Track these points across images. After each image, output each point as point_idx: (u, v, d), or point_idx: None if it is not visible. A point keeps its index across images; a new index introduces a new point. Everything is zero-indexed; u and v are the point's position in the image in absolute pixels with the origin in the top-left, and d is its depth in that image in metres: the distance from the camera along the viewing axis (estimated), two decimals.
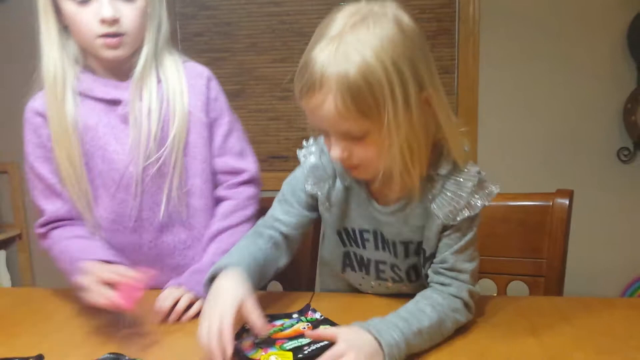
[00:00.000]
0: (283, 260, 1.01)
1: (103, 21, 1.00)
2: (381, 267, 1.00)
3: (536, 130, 2.36)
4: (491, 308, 0.98)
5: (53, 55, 1.04)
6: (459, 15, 2.36)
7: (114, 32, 1.01)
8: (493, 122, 2.38)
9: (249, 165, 1.18)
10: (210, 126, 1.14)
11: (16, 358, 0.84)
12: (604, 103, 2.29)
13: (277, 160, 2.58)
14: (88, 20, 1.00)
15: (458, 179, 0.89)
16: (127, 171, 1.08)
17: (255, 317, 0.81)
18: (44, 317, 1.02)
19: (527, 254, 1.31)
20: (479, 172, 0.89)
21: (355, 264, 1.03)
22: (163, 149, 1.08)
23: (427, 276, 0.95)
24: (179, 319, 0.98)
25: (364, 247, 0.99)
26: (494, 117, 2.38)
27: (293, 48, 2.50)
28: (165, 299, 0.99)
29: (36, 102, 1.10)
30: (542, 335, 0.87)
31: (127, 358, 0.82)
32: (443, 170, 0.88)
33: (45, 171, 1.09)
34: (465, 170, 0.89)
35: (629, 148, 2.29)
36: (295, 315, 0.95)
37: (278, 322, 0.93)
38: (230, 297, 0.82)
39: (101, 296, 0.89)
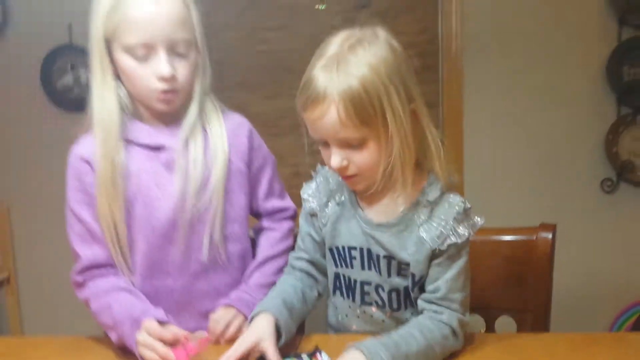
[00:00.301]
0: (319, 286, 1.12)
1: (161, 79, 1.04)
2: (366, 288, 1.03)
3: (520, 162, 2.40)
4: (478, 345, 1.01)
5: (105, 102, 1.07)
6: (442, 52, 2.42)
7: (170, 88, 1.05)
8: (478, 155, 2.43)
9: (290, 203, 1.27)
10: (256, 173, 1.19)
11: None
12: (585, 135, 2.35)
13: None
14: (146, 76, 1.04)
15: (445, 206, 0.96)
16: (167, 217, 1.10)
17: (269, 356, 0.92)
18: None
19: (513, 288, 1.33)
20: (463, 202, 0.97)
21: (343, 287, 1.07)
22: (205, 197, 1.10)
23: (416, 302, 1.01)
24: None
25: (352, 266, 1.04)
26: (479, 150, 2.43)
27: (283, 84, 2.54)
28: (218, 322, 1.06)
29: (82, 148, 1.12)
30: None
31: None
32: (431, 196, 0.96)
33: (85, 215, 1.10)
34: (451, 198, 0.97)
35: (612, 179, 2.34)
36: (304, 356, 0.97)
37: None
38: (250, 336, 0.95)
39: (159, 355, 0.94)
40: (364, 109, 0.88)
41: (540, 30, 2.33)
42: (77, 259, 1.12)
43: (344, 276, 1.07)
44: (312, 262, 1.11)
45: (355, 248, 1.02)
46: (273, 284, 1.12)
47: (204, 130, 1.13)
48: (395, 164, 0.92)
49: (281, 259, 1.20)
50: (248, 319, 1.02)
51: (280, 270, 1.18)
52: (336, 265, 1.07)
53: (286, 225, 1.25)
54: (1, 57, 2.62)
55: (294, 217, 1.27)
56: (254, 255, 1.22)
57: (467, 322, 0.98)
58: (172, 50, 1.04)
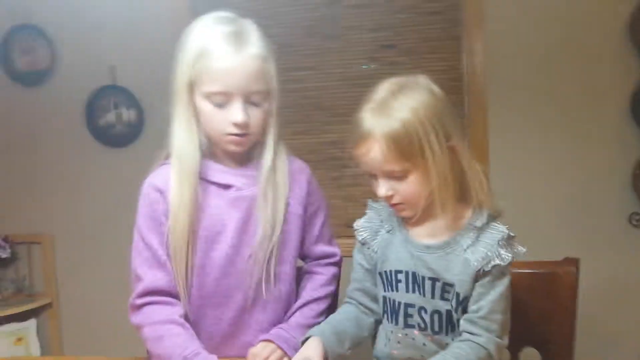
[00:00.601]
0: (375, 314, 1.19)
1: (235, 125, 1.12)
2: (409, 310, 1.10)
3: (547, 197, 2.43)
4: None
5: (185, 142, 1.15)
6: (467, 89, 2.49)
7: (242, 133, 1.13)
8: (505, 189, 2.44)
9: (337, 250, 1.33)
10: (310, 217, 1.27)
11: None
12: (613, 169, 2.37)
13: None
14: (222, 120, 1.12)
15: (491, 231, 1.05)
16: (226, 253, 1.17)
17: None
18: None
19: (537, 321, 1.36)
20: (508, 230, 1.07)
21: (389, 310, 1.14)
22: (265, 238, 1.17)
23: (458, 325, 1.07)
24: None
25: (397, 289, 1.12)
26: (506, 184, 2.44)
27: (314, 121, 2.65)
28: (256, 355, 1.11)
29: (156, 179, 1.19)
30: None
31: None
32: (478, 222, 1.05)
33: (154, 242, 1.16)
34: (497, 225, 1.07)
35: None
36: None
37: None
38: (299, 355, 1.06)
39: None
40: (404, 146, 1.00)
41: (565, 67, 2.37)
42: (139, 283, 1.17)
43: (390, 300, 1.13)
44: (364, 291, 1.19)
45: (401, 272, 1.10)
46: (312, 325, 1.17)
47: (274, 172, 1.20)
48: (434, 193, 1.03)
49: (323, 302, 1.25)
50: (288, 354, 1.10)
51: (321, 313, 1.24)
52: (385, 290, 1.15)
53: (332, 270, 1.31)
54: (48, 98, 2.80)
55: (340, 264, 1.33)
56: (297, 296, 1.28)
57: (504, 345, 1.05)
58: (248, 99, 1.12)
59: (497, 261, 1.02)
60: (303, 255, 1.30)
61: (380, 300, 1.17)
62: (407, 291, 1.11)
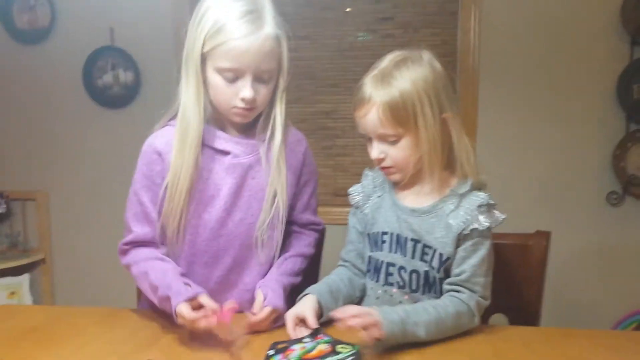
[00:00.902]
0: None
1: (243, 100, 1.16)
2: (390, 269, 1.19)
3: (530, 174, 2.51)
4: (462, 334, 1.12)
5: (192, 109, 1.18)
6: (459, 65, 2.54)
7: (248, 107, 1.18)
8: (490, 165, 2.51)
9: (320, 220, 1.39)
10: (302, 186, 1.33)
11: None
12: (594, 149, 2.45)
13: None
14: (231, 95, 1.16)
15: (472, 198, 1.13)
16: (218, 216, 1.23)
17: (308, 320, 1.09)
18: (77, 332, 1.18)
19: (508, 288, 1.42)
20: (489, 197, 1.14)
21: (372, 269, 1.23)
22: (256, 203, 1.24)
23: (435, 284, 1.16)
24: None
25: (382, 249, 1.20)
26: (491, 160, 2.52)
27: (305, 90, 2.69)
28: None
29: (157, 141, 1.24)
30: (501, 358, 1.01)
31: None
32: (462, 190, 1.13)
33: (146, 199, 1.22)
34: (478, 193, 1.14)
35: (618, 192, 2.43)
36: (307, 339, 1.07)
37: (295, 347, 1.04)
38: (294, 308, 1.13)
39: (200, 329, 1.06)
40: (399, 113, 1.08)
41: (555, 49, 2.43)
42: (128, 233, 1.25)
43: (374, 259, 1.22)
44: (357, 252, 1.28)
45: (387, 233, 1.19)
46: (294, 278, 1.27)
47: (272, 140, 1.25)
48: (424, 160, 1.12)
49: (297, 261, 1.31)
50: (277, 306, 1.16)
51: (300, 272, 1.30)
52: (370, 250, 1.23)
53: (315, 235, 1.38)
54: (47, 57, 2.82)
55: (323, 233, 1.40)
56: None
57: (485, 305, 1.13)
58: (257, 77, 1.16)
59: (476, 225, 1.11)
60: (290, 222, 1.34)
61: (366, 259, 1.25)
62: (390, 251, 1.19)
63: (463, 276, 1.12)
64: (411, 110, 1.08)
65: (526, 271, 1.42)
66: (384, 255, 1.20)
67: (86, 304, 2.71)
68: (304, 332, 1.08)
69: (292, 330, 1.08)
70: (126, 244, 1.25)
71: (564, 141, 2.47)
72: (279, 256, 1.31)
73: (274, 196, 1.25)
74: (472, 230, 1.11)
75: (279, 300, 1.17)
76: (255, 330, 1.14)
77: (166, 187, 1.21)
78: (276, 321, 1.17)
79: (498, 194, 2.54)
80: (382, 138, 1.13)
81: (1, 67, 2.87)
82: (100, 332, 1.17)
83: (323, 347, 1.04)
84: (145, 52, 2.69)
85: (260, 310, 1.15)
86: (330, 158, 2.64)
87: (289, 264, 1.29)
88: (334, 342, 1.04)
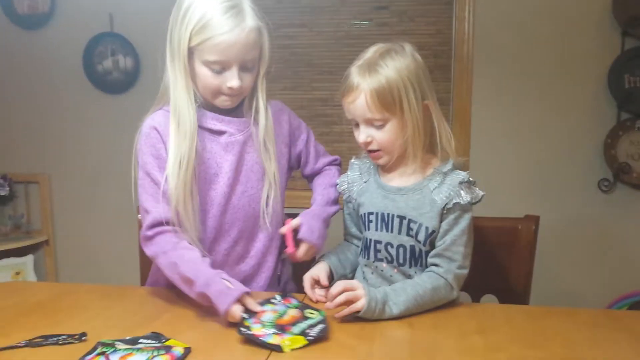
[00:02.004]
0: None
1: (231, 89, 1.24)
2: (378, 246, 1.28)
3: (523, 161, 2.55)
4: (449, 311, 1.18)
5: (181, 97, 1.25)
6: (454, 54, 2.58)
7: (235, 94, 1.27)
8: (484, 152, 2.58)
9: (335, 156, 1.52)
10: (298, 145, 1.44)
11: (63, 335, 1.05)
12: (586, 137, 2.49)
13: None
14: (218, 84, 1.24)
15: (454, 175, 1.21)
16: (223, 192, 1.30)
17: (321, 278, 1.27)
18: (82, 307, 1.24)
19: (497, 271, 1.49)
20: (468, 175, 1.23)
21: (362, 247, 1.33)
22: (255, 178, 1.32)
23: (422, 256, 1.25)
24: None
25: (369, 228, 1.29)
26: (485, 147, 2.58)
27: (303, 77, 2.73)
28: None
29: (154, 121, 1.29)
30: (485, 333, 1.06)
31: (166, 337, 1.02)
32: (444, 168, 1.22)
33: (160, 178, 1.24)
34: (460, 172, 1.23)
35: (609, 179, 2.47)
36: (276, 300, 1.18)
37: (267, 308, 1.14)
38: (310, 272, 1.30)
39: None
40: (386, 98, 1.17)
41: (548, 38, 2.46)
42: (147, 216, 1.25)
43: (364, 238, 1.33)
44: (351, 234, 1.41)
45: (372, 213, 1.28)
46: (332, 205, 1.41)
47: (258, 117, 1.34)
48: (408, 143, 1.21)
49: (330, 182, 1.44)
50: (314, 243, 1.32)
51: (335, 200, 1.43)
52: (359, 231, 1.37)
53: (338, 168, 1.50)
54: (48, 42, 2.86)
55: (341, 164, 1.52)
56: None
57: (463, 276, 1.21)
58: (242, 66, 1.24)
59: (458, 199, 1.19)
60: (311, 175, 1.49)
61: (352, 240, 1.40)
62: (377, 229, 1.28)
63: (444, 246, 1.21)
64: (397, 95, 1.17)
65: (516, 254, 1.48)
66: (371, 234, 1.29)
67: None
68: (318, 292, 1.26)
69: (310, 290, 1.26)
70: (149, 227, 1.24)
71: (556, 129, 2.51)
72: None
73: (272, 171, 1.33)
74: (455, 204, 1.20)
75: (313, 237, 1.31)
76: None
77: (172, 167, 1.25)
78: (311, 254, 1.33)
79: (491, 180, 2.63)
80: (369, 122, 1.21)
81: (2, 51, 2.91)
82: (104, 308, 1.23)
83: (293, 313, 1.13)
84: (145, 38, 2.73)
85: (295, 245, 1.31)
86: (327, 145, 2.63)
87: (326, 195, 1.41)
88: (302, 307, 1.15)
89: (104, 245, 2.91)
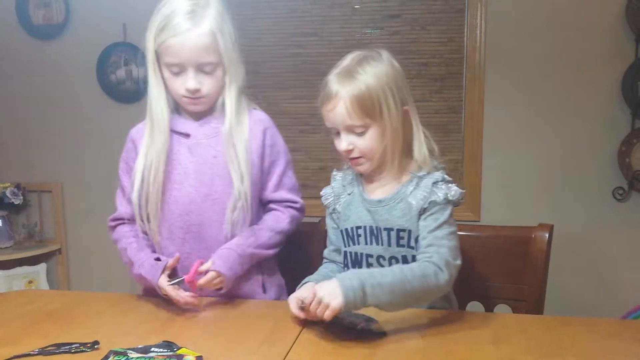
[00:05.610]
0: None
1: (188, 90, 1.29)
2: (370, 260, 1.26)
3: (536, 168, 2.53)
4: (462, 321, 1.17)
5: (157, 100, 1.33)
6: (466, 61, 2.57)
7: (195, 97, 1.31)
8: (496, 160, 2.56)
9: (298, 198, 1.44)
10: (269, 166, 1.39)
11: (75, 343, 1.05)
12: (600, 145, 2.47)
13: None
14: (178, 86, 1.30)
15: (429, 177, 1.21)
16: (187, 192, 1.33)
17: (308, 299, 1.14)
18: (95, 315, 1.24)
19: (511, 280, 1.47)
20: (444, 175, 1.21)
21: (350, 263, 1.29)
22: (220, 181, 1.33)
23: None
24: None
25: (358, 242, 1.27)
26: (497, 155, 2.56)
27: (315, 86, 2.70)
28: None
29: (134, 131, 1.42)
30: (499, 343, 1.05)
31: (177, 346, 1.02)
32: (420, 173, 1.22)
33: (125, 182, 1.40)
34: (435, 173, 1.22)
35: (624, 188, 2.45)
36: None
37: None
38: (297, 293, 1.21)
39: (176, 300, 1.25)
40: (366, 105, 1.16)
41: (561, 46, 2.45)
42: (116, 210, 1.42)
43: (351, 253, 1.28)
44: (338, 250, 1.34)
45: (360, 227, 1.26)
46: (259, 248, 1.35)
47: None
48: (388, 148, 1.20)
49: (276, 235, 1.37)
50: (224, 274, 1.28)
51: (270, 245, 1.37)
52: (346, 244, 1.29)
53: (291, 212, 1.41)
54: (62, 52, 2.89)
55: (301, 211, 1.44)
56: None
57: (456, 266, 1.15)
58: (200, 69, 1.28)
59: (433, 198, 1.18)
60: (266, 202, 1.42)
61: (342, 255, 1.32)
62: (367, 243, 1.25)
63: (426, 241, 1.17)
64: (377, 101, 1.16)
65: (529, 263, 1.45)
66: (362, 248, 1.26)
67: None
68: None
69: (297, 310, 1.15)
70: (112, 220, 1.43)
71: (569, 137, 2.49)
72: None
73: (240, 175, 1.32)
74: (430, 202, 1.18)
75: (224, 267, 1.27)
76: (201, 292, 1.28)
77: (138, 172, 1.33)
78: (222, 287, 1.29)
79: (503, 188, 2.60)
80: (350, 130, 1.19)
81: (17, 61, 2.94)
82: (116, 316, 1.23)
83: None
84: None
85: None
86: (334, 152, 2.67)
87: (256, 236, 1.35)
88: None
89: (116, 254, 2.90)
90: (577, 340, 1.07)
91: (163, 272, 1.27)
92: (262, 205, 1.43)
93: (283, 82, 2.77)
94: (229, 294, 1.33)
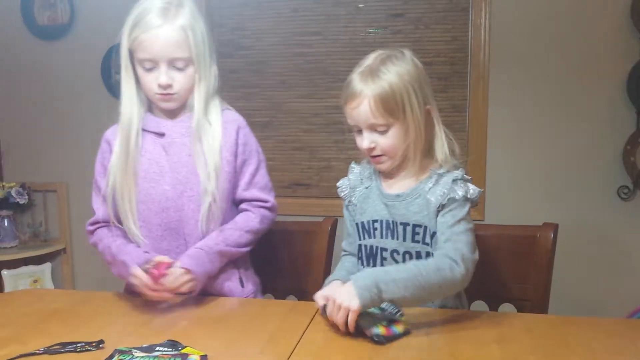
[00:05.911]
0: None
1: (159, 86, 1.31)
2: (384, 254, 1.27)
3: (541, 167, 2.53)
4: (468, 320, 1.17)
5: (129, 100, 1.34)
6: (471, 60, 2.56)
7: (167, 92, 1.32)
8: (500, 159, 2.56)
9: (271, 198, 1.44)
10: (241, 165, 1.39)
11: (81, 342, 1.05)
12: (605, 144, 2.46)
13: (299, 187, 2.78)
14: (150, 82, 1.32)
15: (448, 175, 1.21)
16: (163, 190, 1.34)
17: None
18: (99, 314, 1.25)
19: (516, 279, 1.47)
20: (463, 174, 1.22)
21: (364, 256, 1.30)
22: (196, 179, 1.33)
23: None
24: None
25: (374, 236, 1.28)
26: (502, 153, 2.56)
27: (318, 85, 2.73)
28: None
29: (108, 132, 1.42)
30: (504, 343, 1.05)
31: (182, 345, 1.02)
32: (440, 170, 1.22)
33: (102, 184, 1.39)
34: (454, 172, 1.22)
35: (629, 186, 2.44)
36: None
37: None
38: (323, 291, 1.20)
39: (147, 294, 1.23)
40: (390, 104, 1.17)
41: (566, 44, 2.44)
42: (94, 214, 1.41)
43: (366, 246, 1.30)
44: (354, 242, 1.35)
45: (377, 220, 1.27)
46: (228, 246, 1.34)
47: (209, 124, 1.36)
48: (410, 147, 1.21)
49: (240, 234, 1.37)
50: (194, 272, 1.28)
51: (241, 244, 1.37)
52: (361, 238, 1.31)
53: (262, 211, 1.42)
54: (67, 52, 2.90)
55: (273, 210, 1.44)
56: None
57: (472, 259, 1.15)
58: (172, 65, 1.30)
59: (452, 195, 1.19)
60: (238, 201, 1.42)
61: (357, 248, 1.33)
62: (382, 237, 1.27)
63: (444, 237, 1.18)
64: (400, 100, 1.17)
65: (534, 262, 1.45)
66: (377, 242, 1.28)
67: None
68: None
69: (322, 311, 1.17)
70: (91, 224, 1.42)
71: (574, 136, 2.48)
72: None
73: (210, 172, 1.33)
74: (449, 199, 1.19)
75: (193, 264, 1.28)
76: (171, 290, 1.25)
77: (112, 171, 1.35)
78: (192, 286, 1.28)
79: (508, 187, 2.59)
80: (373, 128, 1.21)
81: (22, 62, 2.95)
82: (121, 315, 1.24)
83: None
84: None
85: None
86: (342, 152, 2.69)
87: (224, 235, 1.35)
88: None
89: None
90: (582, 339, 1.07)
91: (148, 264, 1.25)
92: (235, 204, 1.44)
93: (286, 82, 2.77)
94: (208, 291, 1.34)
